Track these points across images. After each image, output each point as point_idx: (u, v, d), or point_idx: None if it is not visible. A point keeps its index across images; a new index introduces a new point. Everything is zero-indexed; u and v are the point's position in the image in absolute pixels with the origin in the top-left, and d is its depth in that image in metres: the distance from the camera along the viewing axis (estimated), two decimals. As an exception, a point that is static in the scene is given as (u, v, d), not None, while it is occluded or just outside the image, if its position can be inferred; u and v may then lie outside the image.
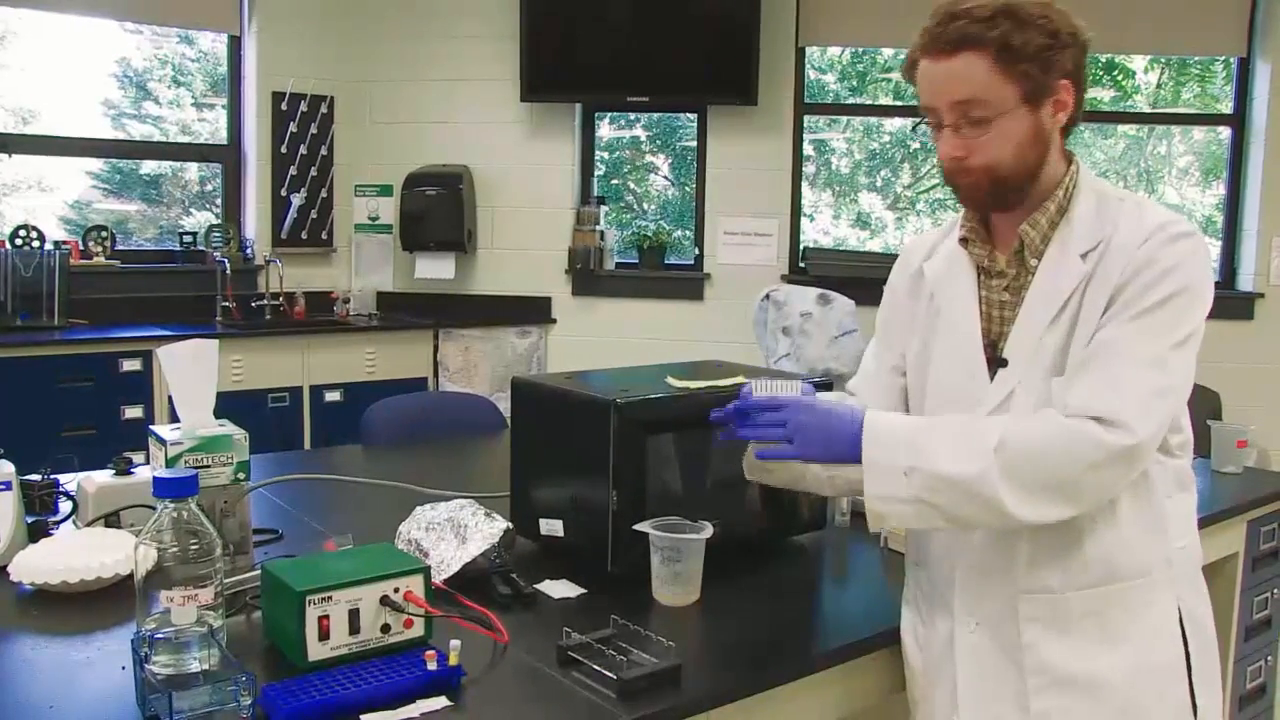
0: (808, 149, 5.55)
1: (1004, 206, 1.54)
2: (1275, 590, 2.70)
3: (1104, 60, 6.05)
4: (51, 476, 2.13)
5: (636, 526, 1.77)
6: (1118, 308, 1.44)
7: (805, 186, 5.64)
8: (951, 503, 1.43)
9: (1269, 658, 2.74)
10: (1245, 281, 5.32)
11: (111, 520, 1.94)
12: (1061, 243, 1.50)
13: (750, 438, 1.55)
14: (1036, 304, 1.51)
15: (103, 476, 2.01)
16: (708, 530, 1.77)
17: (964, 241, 1.61)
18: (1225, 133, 5.54)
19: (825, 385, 1.91)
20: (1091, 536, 1.48)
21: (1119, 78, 6.20)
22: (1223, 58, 5.57)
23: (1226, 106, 5.56)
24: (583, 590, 1.81)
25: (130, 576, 1.46)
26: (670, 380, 1.98)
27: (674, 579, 1.77)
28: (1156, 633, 1.50)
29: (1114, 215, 1.49)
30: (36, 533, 1.94)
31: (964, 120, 1.47)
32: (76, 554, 1.77)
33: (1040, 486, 1.40)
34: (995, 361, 1.54)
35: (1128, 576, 1.49)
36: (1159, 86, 6.20)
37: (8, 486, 1.89)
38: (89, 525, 1.94)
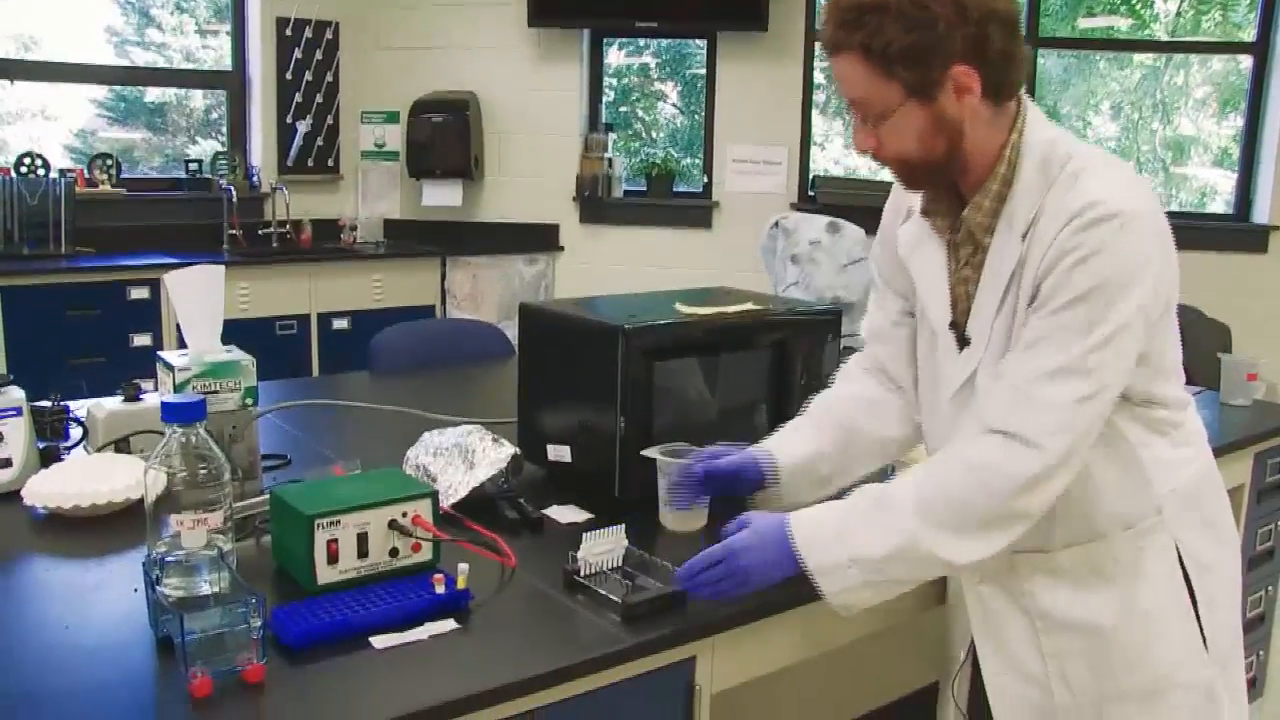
0: (818, 77, 5.47)
1: (935, 189, 1.50)
2: (1279, 522, 2.71)
3: (1122, -13, 5.94)
4: (61, 403, 2.14)
5: (644, 452, 1.77)
6: (1039, 303, 1.38)
7: (816, 115, 5.58)
8: (901, 573, 1.43)
9: (1270, 588, 2.76)
10: (1260, 214, 5.26)
11: (121, 446, 1.95)
12: (1008, 219, 1.43)
13: (708, 596, 1.47)
14: (988, 286, 1.46)
15: (112, 403, 2.01)
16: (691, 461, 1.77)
17: (926, 212, 1.55)
18: (1246, 62, 5.44)
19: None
20: (1067, 501, 1.46)
21: (1137, 6, 6.08)
22: (1246, -16, 5.46)
23: (1249, 35, 5.46)
24: (590, 515, 1.82)
25: (140, 501, 1.47)
26: (679, 306, 1.97)
27: (682, 509, 1.77)
28: (1151, 576, 1.48)
29: (1049, 184, 1.40)
30: (48, 458, 1.95)
31: (865, 115, 1.44)
32: (88, 479, 1.78)
33: (968, 529, 1.39)
34: (961, 340, 1.51)
35: (1112, 531, 1.49)
36: (1179, 15, 6.09)
37: (18, 412, 1.90)
38: (99, 451, 1.95)
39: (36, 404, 2.04)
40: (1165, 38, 6.11)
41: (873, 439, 1.73)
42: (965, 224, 1.48)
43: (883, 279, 1.72)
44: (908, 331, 1.68)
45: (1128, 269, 1.34)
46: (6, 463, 1.86)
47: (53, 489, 1.77)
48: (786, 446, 1.73)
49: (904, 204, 1.63)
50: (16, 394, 1.92)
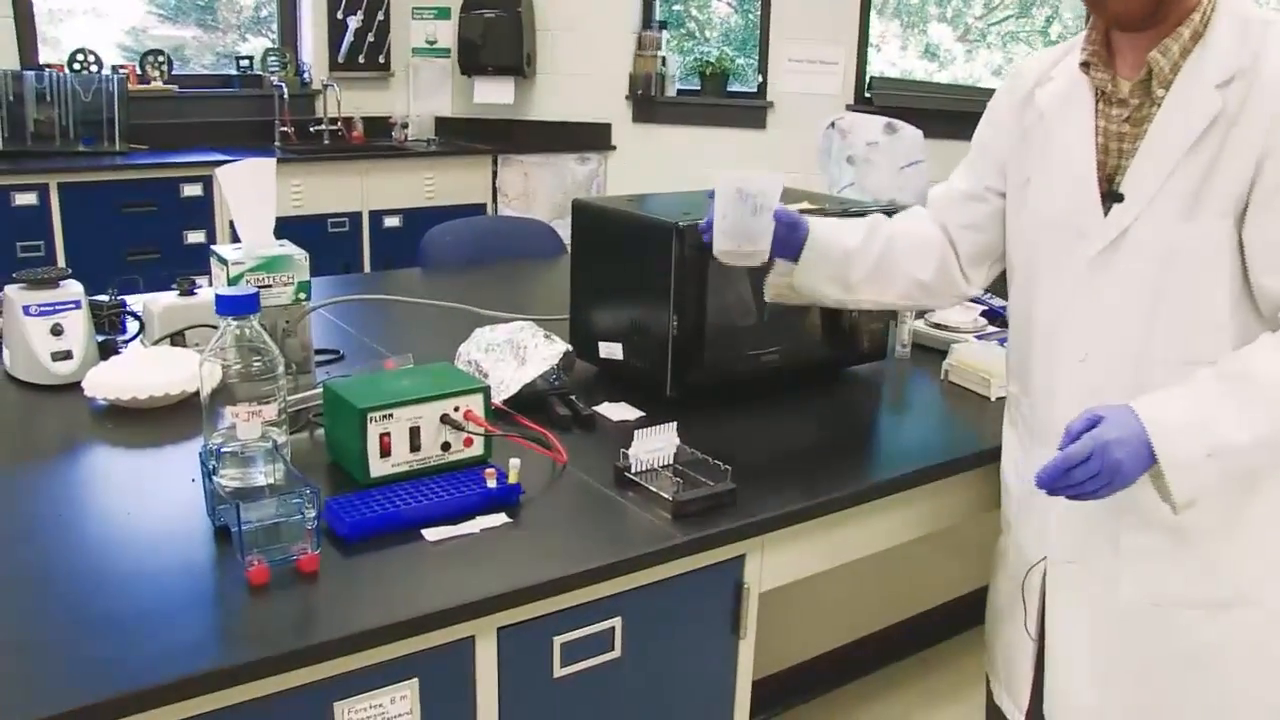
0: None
1: (1147, 23, 1.40)
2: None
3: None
4: (119, 297, 2.16)
5: (710, 171, 1.68)
6: None
7: (873, 15, 5.41)
8: (1265, 459, 1.35)
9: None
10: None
11: (177, 340, 1.97)
12: (1193, 72, 1.37)
13: (1076, 496, 1.36)
14: (1162, 138, 1.39)
15: (168, 297, 2.03)
16: (783, 176, 1.66)
17: (1085, 66, 1.47)
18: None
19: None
20: None
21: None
22: None
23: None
24: (641, 413, 1.82)
25: (196, 393, 1.49)
26: (732, 205, 1.93)
27: (743, 230, 1.63)
28: (1265, 487, 1.43)
29: (1259, 42, 1.34)
30: (106, 351, 1.98)
31: None
32: (145, 372, 1.80)
33: None
34: (1109, 196, 1.44)
35: None
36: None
37: (78, 305, 1.92)
38: (156, 344, 1.97)
39: (94, 298, 2.06)
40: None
41: (905, 272, 1.69)
42: (1149, 68, 1.40)
43: (982, 151, 1.66)
44: (988, 208, 1.64)
45: None
46: (67, 355, 1.89)
47: (112, 381, 1.79)
48: (825, 227, 1.68)
49: (1027, 81, 1.57)
50: (76, 288, 1.94)
